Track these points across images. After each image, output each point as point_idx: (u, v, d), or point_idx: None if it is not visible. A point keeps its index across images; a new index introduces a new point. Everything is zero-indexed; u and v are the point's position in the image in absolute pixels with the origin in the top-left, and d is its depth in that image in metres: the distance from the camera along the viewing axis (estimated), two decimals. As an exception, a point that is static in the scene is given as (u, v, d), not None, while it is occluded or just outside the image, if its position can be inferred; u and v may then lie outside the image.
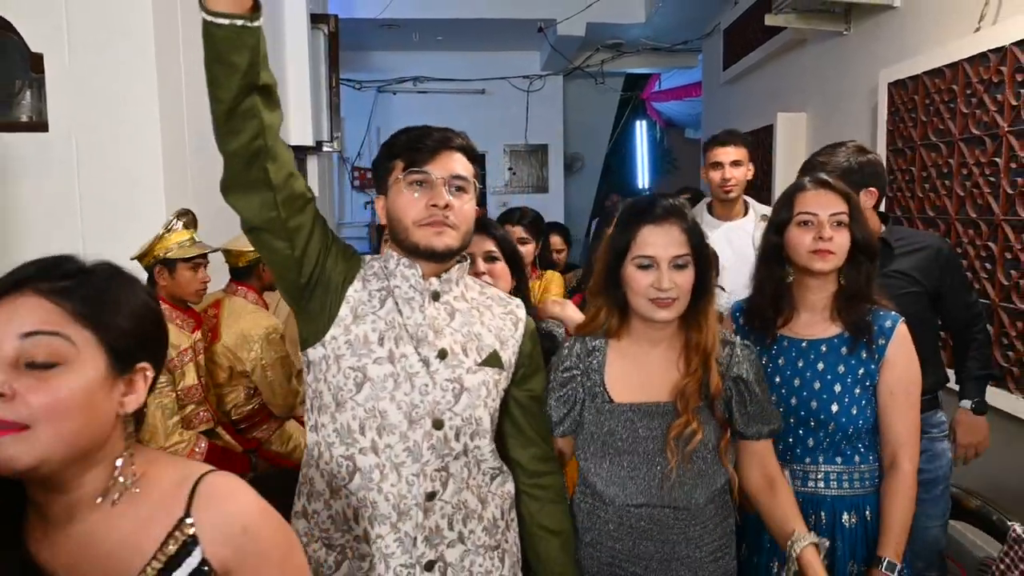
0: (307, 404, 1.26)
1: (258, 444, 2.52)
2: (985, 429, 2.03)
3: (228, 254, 2.53)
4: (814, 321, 1.56)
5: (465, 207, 1.22)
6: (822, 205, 1.51)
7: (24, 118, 2.31)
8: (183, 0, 2.47)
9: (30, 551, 0.81)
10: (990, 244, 2.45)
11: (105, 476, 0.82)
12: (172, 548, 0.82)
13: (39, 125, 2.25)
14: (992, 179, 2.44)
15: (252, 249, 2.51)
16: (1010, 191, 2.35)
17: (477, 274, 1.51)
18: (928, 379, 1.87)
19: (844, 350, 1.52)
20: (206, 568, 0.83)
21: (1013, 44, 2.33)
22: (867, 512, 1.51)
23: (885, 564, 1.42)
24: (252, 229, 1.16)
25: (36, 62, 2.20)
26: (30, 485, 0.80)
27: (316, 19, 4.07)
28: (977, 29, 2.57)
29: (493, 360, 1.27)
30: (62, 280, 0.78)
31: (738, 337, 1.40)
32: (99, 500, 0.81)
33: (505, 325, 1.31)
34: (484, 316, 1.30)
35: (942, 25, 2.82)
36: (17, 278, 0.77)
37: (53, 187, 2.25)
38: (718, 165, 2.55)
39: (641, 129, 9.64)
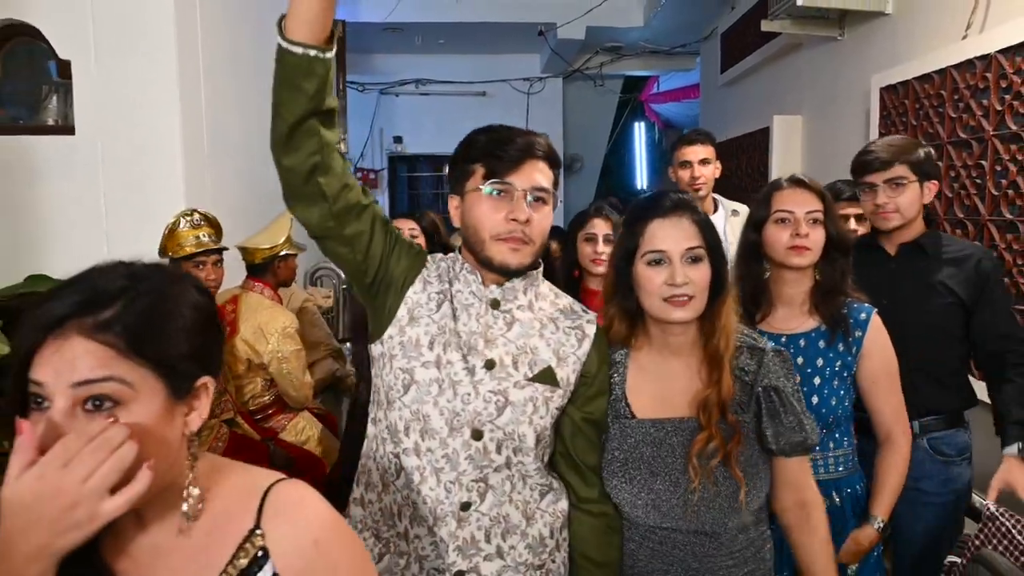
0: (372, 397, 1.27)
1: (274, 433, 2.62)
2: None
3: (244, 251, 2.63)
4: (792, 315, 1.63)
5: (544, 221, 1.19)
6: (798, 203, 1.56)
7: (51, 122, 2.42)
8: (203, 12, 2.57)
9: (105, 561, 0.78)
10: (977, 244, 2.55)
11: (176, 492, 0.79)
12: (244, 561, 0.79)
13: (66, 128, 2.36)
14: (978, 181, 2.54)
15: (267, 247, 2.63)
16: (995, 192, 2.45)
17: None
18: (949, 398, 1.86)
19: (822, 343, 1.59)
20: None
21: (998, 52, 2.43)
22: (846, 492, 1.61)
23: (877, 522, 1.56)
24: (316, 238, 1.17)
25: (64, 69, 2.31)
26: None
27: (324, 24, 4.17)
28: (964, 37, 2.66)
29: (546, 376, 1.20)
30: (105, 310, 0.72)
31: (771, 343, 1.30)
32: (169, 514, 0.80)
33: (568, 341, 1.24)
34: (546, 329, 1.23)
35: (932, 32, 2.92)
36: (58, 315, 0.71)
37: (78, 188, 2.35)
38: (687, 164, 2.59)
39: (640, 130, 9.74)
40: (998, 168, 2.45)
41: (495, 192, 1.16)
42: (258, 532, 0.80)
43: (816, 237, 1.56)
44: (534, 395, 1.20)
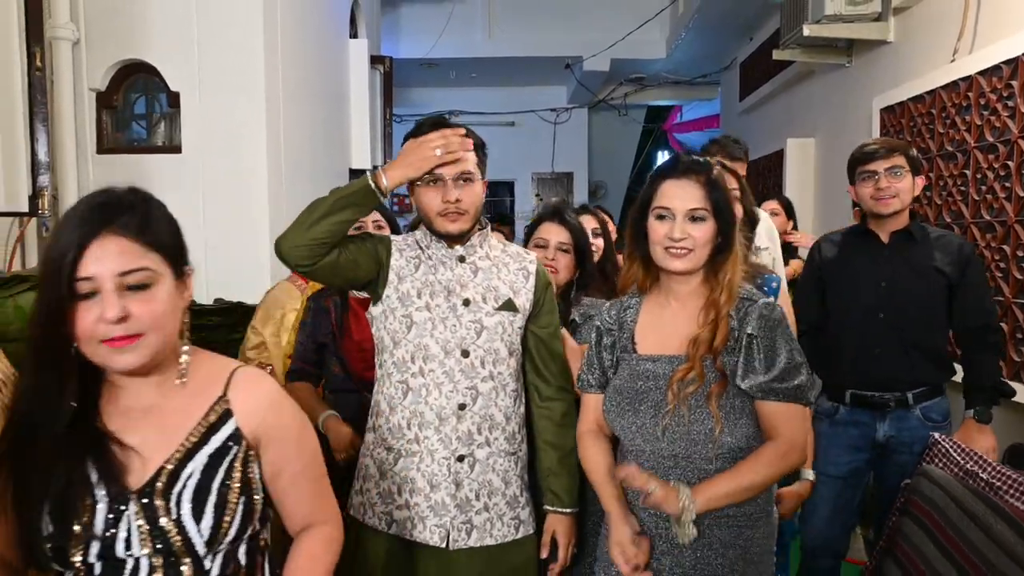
0: (376, 347, 1.62)
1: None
2: (991, 440, 1.94)
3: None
4: None
5: (472, 194, 1.53)
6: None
7: (162, 143, 2.86)
8: (283, 57, 3.01)
9: (103, 422, 1.01)
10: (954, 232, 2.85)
11: (172, 358, 1.04)
12: (212, 418, 1.04)
13: (174, 149, 2.79)
14: (963, 188, 2.85)
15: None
16: (977, 198, 2.76)
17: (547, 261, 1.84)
18: (938, 371, 2.06)
19: None
20: (238, 434, 1.05)
21: (977, 73, 2.76)
22: None
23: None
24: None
25: (174, 99, 2.75)
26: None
27: (374, 60, 4.61)
28: (952, 60, 2.99)
29: (508, 305, 1.59)
30: (126, 217, 0.96)
31: (768, 297, 1.38)
32: (162, 379, 1.04)
33: (518, 279, 1.63)
34: (501, 272, 1.62)
35: (925, 57, 3.23)
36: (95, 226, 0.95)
37: (183, 198, 2.73)
38: None
39: (663, 159, 10.05)
40: (978, 176, 2.76)
41: (430, 182, 1.52)
42: (224, 398, 1.06)
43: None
44: (502, 320, 1.59)
